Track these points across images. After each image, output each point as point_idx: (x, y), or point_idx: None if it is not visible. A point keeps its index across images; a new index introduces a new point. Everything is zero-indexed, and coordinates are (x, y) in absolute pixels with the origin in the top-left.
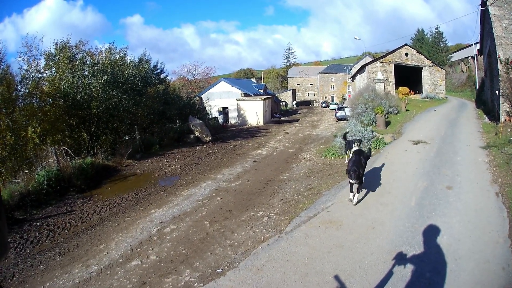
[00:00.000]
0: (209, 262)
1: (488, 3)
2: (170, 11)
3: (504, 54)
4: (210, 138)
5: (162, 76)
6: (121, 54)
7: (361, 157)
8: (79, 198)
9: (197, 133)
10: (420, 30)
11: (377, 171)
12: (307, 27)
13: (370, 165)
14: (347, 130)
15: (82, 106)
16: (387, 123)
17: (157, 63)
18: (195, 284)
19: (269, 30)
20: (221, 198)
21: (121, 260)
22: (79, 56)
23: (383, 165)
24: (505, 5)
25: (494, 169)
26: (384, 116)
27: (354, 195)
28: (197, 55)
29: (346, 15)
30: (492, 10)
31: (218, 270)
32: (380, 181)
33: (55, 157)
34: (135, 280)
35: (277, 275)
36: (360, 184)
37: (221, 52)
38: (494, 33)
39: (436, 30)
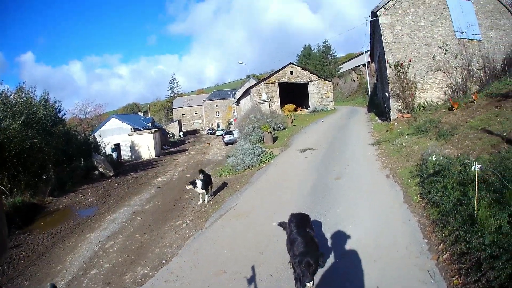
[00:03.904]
0: (153, 258)
1: (379, 13)
2: (58, 47)
3: (394, 58)
4: (112, 172)
5: (60, 115)
6: (30, 95)
7: (309, 231)
8: (20, 233)
9: (101, 169)
10: (307, 46)
11: (270, 176)
12: (189, 55)
13: (261, 174)
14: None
15: (2, 149)
16: (275, 139)
17: (55, 101)
18: (150, 273)
19: (152, 60)
20: (141, 218)
21: (81, 273)
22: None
23: (274, 172)
24: (399, 12)
25: (384, 159)
26: (271, 132)
27: None
28: (84, 92)
29: (229, 38)
30: (382, 19)
31: (163, 261)
32: (274, 183)
33: None
34: (100, 282)
35: (212, 252)
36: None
37: (106, 87)
38: (383, 40)
39: (324, 44)
